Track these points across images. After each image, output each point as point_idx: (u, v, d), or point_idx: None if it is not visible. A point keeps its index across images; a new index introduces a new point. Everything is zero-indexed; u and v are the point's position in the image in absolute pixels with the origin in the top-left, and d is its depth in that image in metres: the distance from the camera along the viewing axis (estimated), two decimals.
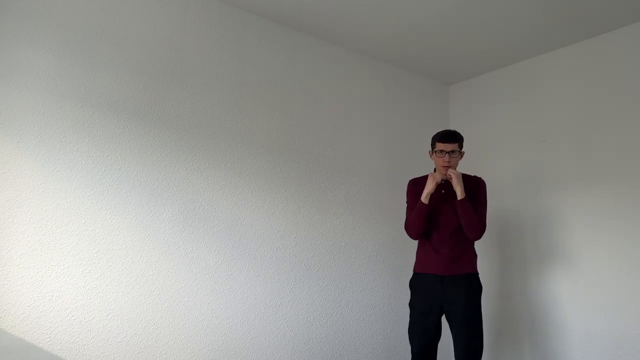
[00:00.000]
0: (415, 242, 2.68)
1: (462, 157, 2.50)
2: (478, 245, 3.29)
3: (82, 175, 2.19)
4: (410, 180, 2.65)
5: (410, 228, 2.50)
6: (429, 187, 2.40)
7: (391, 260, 3.21)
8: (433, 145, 2.49)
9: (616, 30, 2.85)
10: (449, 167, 2.41)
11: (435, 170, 2.53)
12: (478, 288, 2.44)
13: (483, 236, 2.48)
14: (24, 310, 2.00)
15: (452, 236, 2.42)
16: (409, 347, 3.09)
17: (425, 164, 3.45)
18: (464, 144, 2.54)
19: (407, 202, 2.62)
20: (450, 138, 2.43)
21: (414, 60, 3.38)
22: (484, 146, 3.46)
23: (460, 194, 2.36)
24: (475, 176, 2.54)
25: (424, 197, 2.40)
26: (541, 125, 3.15)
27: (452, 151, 2.41)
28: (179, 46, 2.54)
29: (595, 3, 2.61)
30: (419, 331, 2.44)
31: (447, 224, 2.43)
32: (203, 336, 2.43)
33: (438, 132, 2.51)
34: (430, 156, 2.54)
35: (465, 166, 3.54)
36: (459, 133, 2.49)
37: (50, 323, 2.05)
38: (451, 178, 2.39)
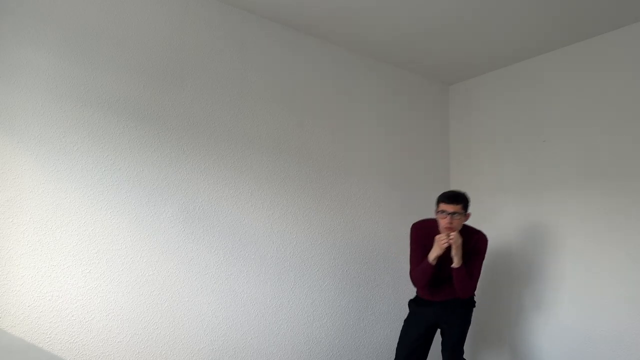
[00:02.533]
0: None
1: (467, 218, 2.49)
2: None
3: (82, 175, 2.19)
4: (413, 225, 2.64)
5: (417, 282, 2.56)
6: (436, 252, 2.41)
7: (391, 260, 3.21)
8: (437, 204, 2.48)
9: (616, 30, 2.85)
10: (450, 228, 2.39)
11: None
12: (471, 304, 2.63)
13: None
14: (24, 310, 2.00)
15: (450, 280, 2.50)
16: None
17: (425, 164, 3.46)
18: (472, 204, 2.53)
19: (411, 247, 2.62)
20: (453, 199, 2.42)
21: (414, 60, 3.38)
22: (484, 146, 3.46)
23: (457, 262, 2.39)
24: (478, 233, 2.55)
25: (432, 259, 2.42)
26: (541, 125, 3.15)
27: (454, 212, 2.39)
28: (179, 46, 2.54)
29: (595, 3, 2.61)
30: (410, 341, 2.60)
31: (446, 275, 2.49)
32: (203, 336, 2.43)
33: (443, 193, 2.50)
34: (435, 214, 2.51)
35: (466, 166, 3.54)
36: (463, 195, 2.47)
37: (50, 323, 2.05)
38: (452, 244, 2.38)
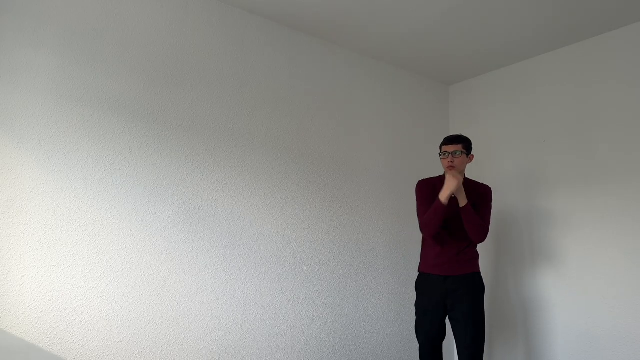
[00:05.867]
0: (417, 241, 2.72)
1: (470, 160, 2.56)
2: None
3: (82, 175, 2.19)
4: (419, 181, 2.67)
5: (428, 227, 2.48)
6: (452, 187, 2.38)
7: (391, 260, 3.21)
8: (440, 149, 2.56)
9: (616, 30, 2.85)
10: (452, 167, 2.46)
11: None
12: (481, 287, 2.54)
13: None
14: (24, 311, 2.00)
15: (458, 239, 2.52)
16: (409, 347, 3.10)
17: (425, 164, 3.46)
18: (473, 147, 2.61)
19: (418, 202, 2.61)
20: (452, 140, 2.53)
21: (414, 60, 3.38)
22: (484, 146, 3.46)
23: (462, 200, 2.43)
24: (482, 184, 2.63)
25: (445, 199, 2.39)
26: (541, 125, 3.15)
27: (455, 152, 2.48)
28: (179, 46, 2.54)
29: (595, 3, 2.61)
30: (423, 330, 2.56)
31: (453, 227, 2.51)
32: (203, 336, 2.43)
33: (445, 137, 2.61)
34: (440, 160, 2.58)
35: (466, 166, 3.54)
36: (464, 136, 2.56)
37: (50, 323, 2.05)
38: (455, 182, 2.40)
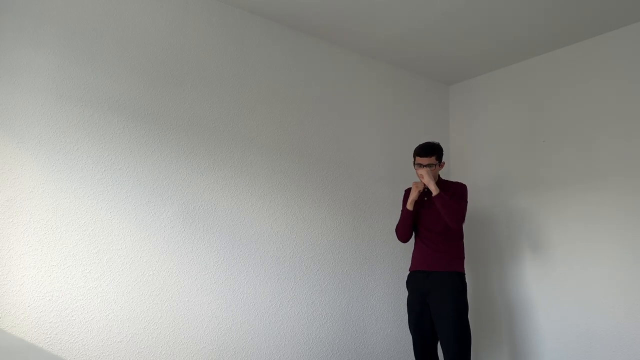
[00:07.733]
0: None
1: (441, 167, 2.68)
2: (472, 244, 3.30)
3: (82, 175, 2.19)
4: (405, 190, 2.84)
5: (398, 232, 2.76)
6: (413, 195, 2.61)
7: (391, 260, 3.21)
8: (414, 158, 2.66)
9: (616, 30, 2.85)
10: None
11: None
12: (462, 287, 2.57)
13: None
14: (24, 311, 2.00)
15: (437, 237, 2.61)
16: (409, 347, 3.10)
17: None
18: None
19: (401, 210, 2.78)
20: (426, 152, 2.61)
21: (414, 61, 3.38)
22: (484, 146, 3.46)
23: (434, 190, 2.51)
24: (457, 182, 2.74)
25: (409, 204, 2.63)
26: (541, 125, 3.15)
27: (429, 164, 2.58)
28: (179, 46, 2.54)
29: (595, 3, 2.61)
30: (413, 328, 2.63)
31: (431, 226, 2.63)
32: (203, 336, 2.43)
33: (418, 145, 2.68)
34: (413, 167, 2.69)
35: (466, 166, 3.54)
36: (436, 145, 2.64)
37: (50, 323, 2.05)
38: (422, 177, 2.55)
